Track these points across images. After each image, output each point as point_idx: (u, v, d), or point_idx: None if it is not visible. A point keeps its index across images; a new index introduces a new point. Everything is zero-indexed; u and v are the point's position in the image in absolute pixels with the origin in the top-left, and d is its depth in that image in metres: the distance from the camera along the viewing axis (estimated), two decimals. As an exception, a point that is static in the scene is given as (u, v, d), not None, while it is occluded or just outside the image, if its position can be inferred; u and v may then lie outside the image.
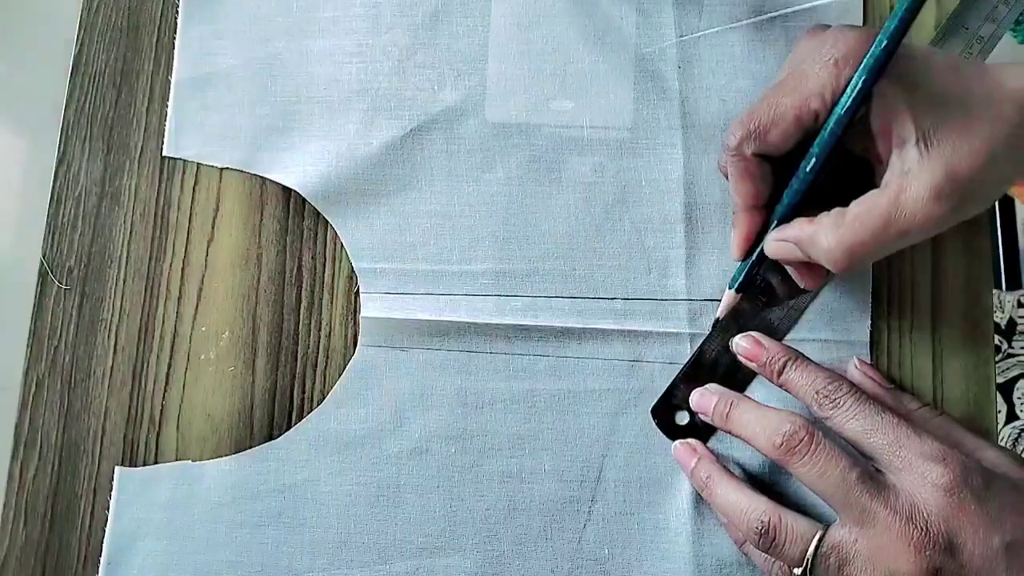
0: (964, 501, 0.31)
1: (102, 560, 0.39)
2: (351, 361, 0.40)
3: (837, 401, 0.34)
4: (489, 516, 0.39)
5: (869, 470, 0.32)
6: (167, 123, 0.42)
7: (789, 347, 0.37)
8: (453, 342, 0.40)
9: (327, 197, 0.41)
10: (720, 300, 0.39)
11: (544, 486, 0.39)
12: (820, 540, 0.32)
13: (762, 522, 0.33)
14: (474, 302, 0.40)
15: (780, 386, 0.37)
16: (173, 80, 0.43)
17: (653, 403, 0.39)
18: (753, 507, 0.34)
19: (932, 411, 0.37)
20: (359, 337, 0.40)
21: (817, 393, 0.35)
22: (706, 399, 0.38)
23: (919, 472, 0.31)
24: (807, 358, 0.37)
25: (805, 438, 0.33)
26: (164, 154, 0.42)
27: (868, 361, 0.39)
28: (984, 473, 0.32)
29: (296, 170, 0.41)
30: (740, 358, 0.38)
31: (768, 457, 0.34)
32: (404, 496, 0.39)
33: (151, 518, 0.39)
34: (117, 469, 0.40)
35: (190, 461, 0.40)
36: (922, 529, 0.31)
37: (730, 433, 0.37)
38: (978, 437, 0.36)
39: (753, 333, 0.38)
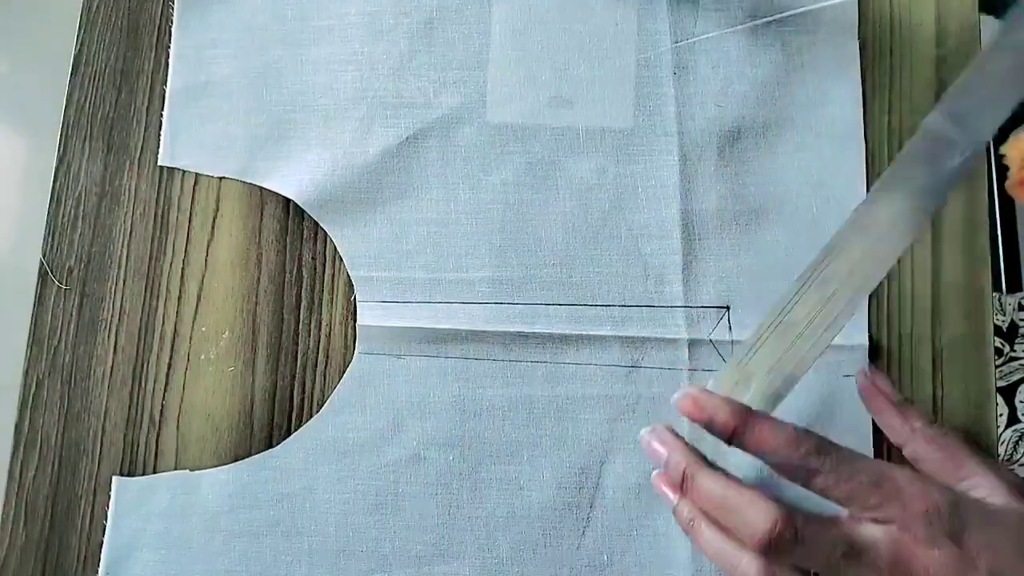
0: (943, 548, 0.31)
1: (100, 570, 0.39)
2: (348, 369, 0.40)
3: (812, 474, 0.32)
4: (488, 523, 0.39)
5: (850, 539, 0.31)
6: (162, 133, 0.42)
7: (740, 405, 0.33)
8: (450, 349, 0.40)
9: (323, 206, 0.41)
10: (716, 306, 0.39)
11: (543, 493, 0.39)
12: None
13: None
14: (471, 310, 0.40)
15: (738, 447, 0.34)
16: (168, 89, 0.43)
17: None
18: (747, 564, 0.32)
19: (939, 429, 0.37)
20: (356, 345, 0.40)
21: (788, 461, 0.32)
22: (659, 453, 0.35)
23: (902, 524, 0.31)
24: (762, 417, 0.33)
25: (788, 535, 0.31)
26: (160, 164, 0.42)
27: (873, 370, 0.38)
28: (965, 512, 0.32)
29: (292, 179, 0.41)
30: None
31: (747, 546, 0.32)
32: (402, 504, 0.39)
33: (149, 528, 0.39)
34: (115, 479, 0.40)
35: (187, 470, 0.40)
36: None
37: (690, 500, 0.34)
38: (981, 460, 0.35)
39: (691, 389, 0.34)
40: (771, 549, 0.31)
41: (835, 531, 0.32)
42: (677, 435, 0.35)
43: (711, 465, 0.34)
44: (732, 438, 0.33)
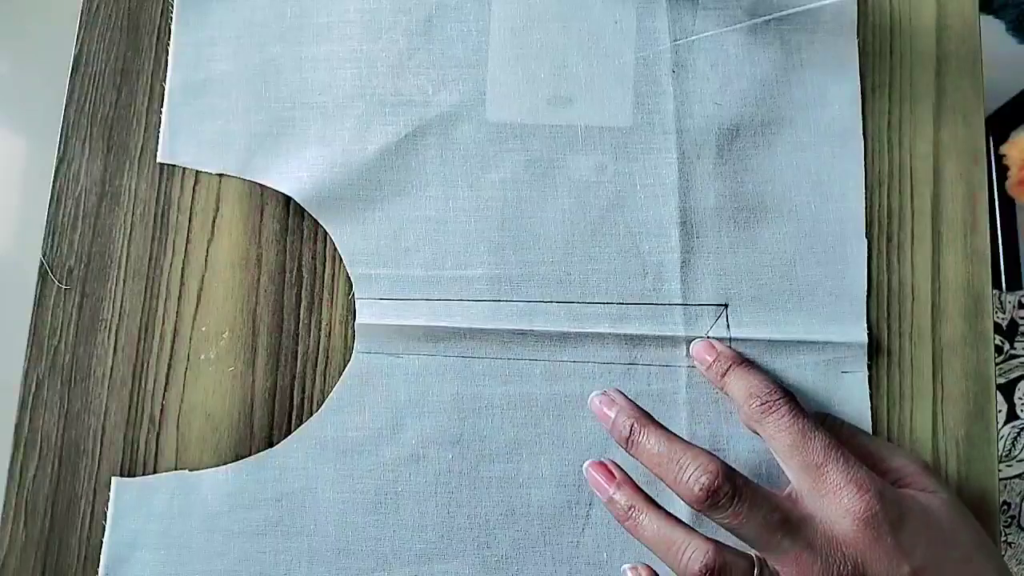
0: (881, 534, 0.31)
1: (100, 570, 0.39)
2: (347, 368, 0.40)
3: (770, 406, 0.34)
4: (487, 521, 0.39)
5: (786, 510, 0.32)
6: (161, 130, 0.42)
7: (739, 354, 0.37)
8: (449, 347, 0.40)
9: (322, 203, 0.41)
10: (714, 304, 0.39)
11: (542, 491, 0.39)
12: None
13: (705, 565, 0.32)
14: (469, 307, 0.40)
15: (721, 389, 0.36)
16: (167, 86, 0.43)
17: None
18: (693, 546, 0.32)
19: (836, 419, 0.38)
20: (355, 343, 0.40)
21: (750, 396, 0.34)
22: (606, 415, 0.36)
23: (841, 501, 0.32)
24: (752, 364, 0.36)
25: (727, 490, 0.32)
26: (159, 160, 0.42)
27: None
28: (900, 503, 0.32)
29: (291, 176, 0.41)
30: (694, 362, 0.38)
31: (682, 499, 0.33)
32: (402, 503, 0.39)
33: (148, 528, 0.39)
34: (114, 480, 0.40)
35: (187, 471, 0.40)
36: (839, 563, 0.31)
37: (635, 458, 0.35)
38: (886, 444, 0.37)
39: (711, 338, 0.38)
40: (709, 503, 0.32)
41: (774, 499, 0.32)
42: (626, 397, 0.37)
43: (658, 424, 0.35)
44: (722, 378, 0.36)
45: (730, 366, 0.36)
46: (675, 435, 0.35)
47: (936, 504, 0.33)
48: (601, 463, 0.36)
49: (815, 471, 0.32)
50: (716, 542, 0.33)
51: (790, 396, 0.34)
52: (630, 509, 0.34)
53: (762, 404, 0.34)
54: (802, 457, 0.33)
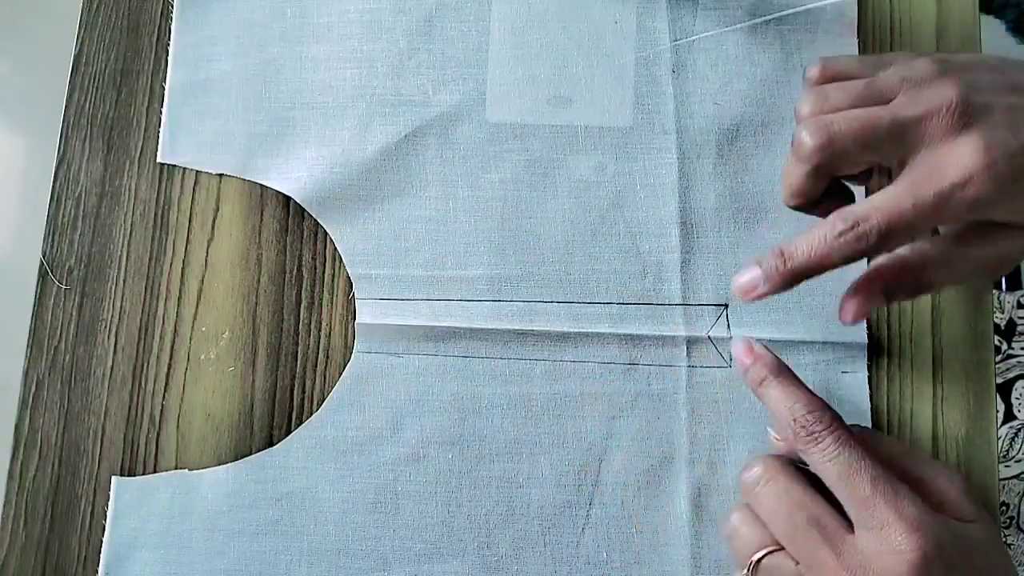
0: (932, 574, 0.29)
1: (100, 570, 0.39)
2: (347, 368, 0.40)
3: (815, 436, 0.32)
4: (487, 521, 0.39)
5: (822, 518, 0.31)
6: (161, 130, 0.42)
7: (779, 361, 0.35)
8: (449, 347, 0.40)
9: (322, 203, 0.41)
10: (714, 304, 0.40)
11: (541, 490, 0.39)
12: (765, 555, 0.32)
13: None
14: (470, 307, 0.40)
15: (759, 398, 0.35)
16: (167, 86, 0.43)
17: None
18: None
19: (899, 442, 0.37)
20: (355, 343, 0.40)
21: (795, 421, 0.33)
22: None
23: (889, 539, 0.30)
24: (793, 376, 0.34)
25: (758, 483, 0.33)
26: (159, 160, 0.42)
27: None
28: (950, 543, 0.30)
29: (291, 176, 0.41)
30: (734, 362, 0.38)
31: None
32: (401, 502, 0.39)
33: (148, 528, 0.39)
34: (114, 479, 0.40)
35: (187, 470, 0.40)
36: None
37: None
38: (930, 462, 0.34)
39: (752, 340, 0.36)
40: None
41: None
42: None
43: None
44: (759, 386, 0.34)
45: (766, 376, 0.34)
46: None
47: (977, 537, 0.32)
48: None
49: (863, 504, 0.31)
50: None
51: (835, 421, 0.32)
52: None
53: (808, 434, 0.32)
54: (849, 490, 0.31)
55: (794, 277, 0.32)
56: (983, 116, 0.30)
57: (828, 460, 0.31)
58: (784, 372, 0.34)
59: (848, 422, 0.38)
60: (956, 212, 0.30)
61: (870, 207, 0.30)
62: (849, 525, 0.31)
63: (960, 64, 0.32)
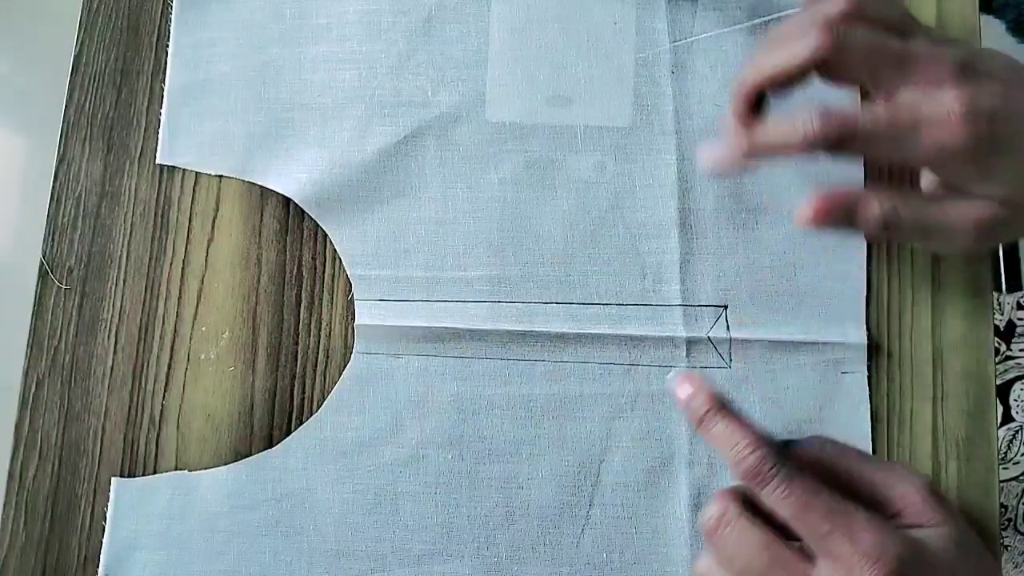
0: None
1: (100, 570, 0.39)
2: (347, 368, 0.40)
3: (762, 479, 0.31)
4: (487, 522, 0.39)
5: (784, 559, 0.31)
6: (160, 131, 0.43)
7: (720, 395, 0.33)
8: (449, 348, 0.40)
9: (321, 204, 0.41)
10: (714, 305, 0.40)
11: (541, 491, 0.39)
12: None
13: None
14: (469, 308, 0.40)
15: (703, 438, 0.33)
16: (166, 87, 0.43)
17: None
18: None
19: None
20: (355, 344, 0.40)
21: (737, 463, 0.32)
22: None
23: (851, 571, 0.29)
24: (734, 413, 0.32)
25: (718, 525, 0.31)
26: (158, 162, 0.42)
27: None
28: (921, 564, 0.30)
29: (290, 177, 0.41)
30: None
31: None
32: (401, 503, 0.39)
33: (148, 528, 0.39)
34: (113, 480, 0.40)
35: (187, 471, 0.40)
36: None
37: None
38: (890, 468, 0.33)
39: (691, 372, 0.35)
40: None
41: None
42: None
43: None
44: (697, 426, 0.33)
45: (709, 409, 0.33)
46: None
47: (941, 545, 0.31)
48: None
49: (822, 541, 0.30)
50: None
51: (778, 458, 0.31)
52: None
53: (754, 476, 0.31)
54: (805, 528, 0.31)
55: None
56: (983, 80, 0.32)
57: (779, 501, 0.31)
58: (724, 408, 0.33)
59: (848, 422, 0.38)
60: (926, 150, 0.31)
61: (852, 107, 0.32)
62: (812, 556, 0.31)
63: (981, 51, 0.34)
